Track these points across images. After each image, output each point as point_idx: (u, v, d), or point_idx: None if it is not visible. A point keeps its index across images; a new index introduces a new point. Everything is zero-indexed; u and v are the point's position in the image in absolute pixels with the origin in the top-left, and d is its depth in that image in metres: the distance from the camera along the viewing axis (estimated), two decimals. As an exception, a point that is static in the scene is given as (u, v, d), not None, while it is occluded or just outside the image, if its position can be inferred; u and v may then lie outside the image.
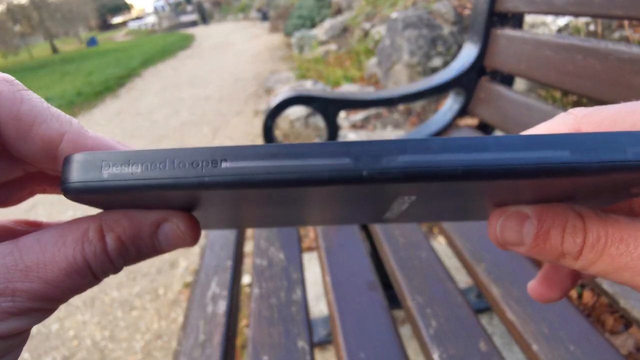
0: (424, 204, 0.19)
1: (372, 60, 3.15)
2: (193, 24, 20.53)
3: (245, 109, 3.73)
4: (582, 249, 0.16)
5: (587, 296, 1.00)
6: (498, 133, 1.00)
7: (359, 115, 2.51)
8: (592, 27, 1.37)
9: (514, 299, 0.54)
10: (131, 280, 1.68)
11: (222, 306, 0.60)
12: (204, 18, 20.13)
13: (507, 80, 0.90)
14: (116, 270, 0.17)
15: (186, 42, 11.03)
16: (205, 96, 4.49)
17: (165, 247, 0.18)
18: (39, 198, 2.27)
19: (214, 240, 0.76)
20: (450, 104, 0.97)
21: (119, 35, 24.11)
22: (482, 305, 1.09)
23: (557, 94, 1.45)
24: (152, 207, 0.17)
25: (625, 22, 1.25)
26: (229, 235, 0.76)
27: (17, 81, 0.17)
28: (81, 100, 5.39)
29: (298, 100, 0.85)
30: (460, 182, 0.14)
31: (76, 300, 1.61)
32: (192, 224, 0.18)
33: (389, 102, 0.91)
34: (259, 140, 2.74)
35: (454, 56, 2.34)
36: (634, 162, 0.13)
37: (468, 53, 0.91)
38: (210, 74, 5.71)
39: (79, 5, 21.76)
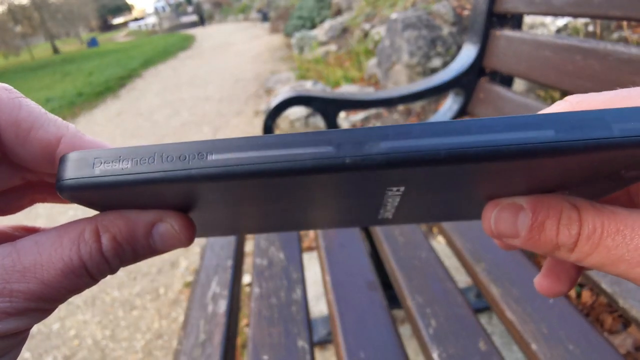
0: (417, 198, 0.19)
1: (372, 61, 3.15)
2: (193, 24, 20.59)
3: (245, 109, 3.73)
4: (577, 241, 0.16)
5: (586, 296, 1.01)
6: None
7: (359, 116, 2.51)
8: (590, 28, 1.37)
9: (514, 298, 0.54)
10: (132, 279, 1.68)
11: (222, 306, 0.60)
12: (202, 19, 20.18)
13: (507, 80, 0.90)
14: (112, 270, 0.18)
15: (187, 43, 11.04)
16: (206, 96, 4.49)
17: (161, 247, 0.18)
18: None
19: (215, 240, 0.76)
20: (449, 104, 0.97)
21: (120, 36, 24.15)
22: (482, 304, 1.09)
23: (557, 95, 1.45)
24: (148, 208, 0.17)
25: (624, 23, 1.25)
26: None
27: (15, 89, 0.18)
28: (82, 101, 5.40)
29: (298, 100, 0.85)
30: (445, 167, 0.13)
31: (77, 299, 1.61)
32: (186, 224, 0.18)
33: (389, 103, 0.91)
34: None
35: (453, 57, 2.34)
36: (619, 138, 0.12)
37: (467, 54, 0.91)
38: (210, 75, 5.71)
39: (79, 6, 21.82)
